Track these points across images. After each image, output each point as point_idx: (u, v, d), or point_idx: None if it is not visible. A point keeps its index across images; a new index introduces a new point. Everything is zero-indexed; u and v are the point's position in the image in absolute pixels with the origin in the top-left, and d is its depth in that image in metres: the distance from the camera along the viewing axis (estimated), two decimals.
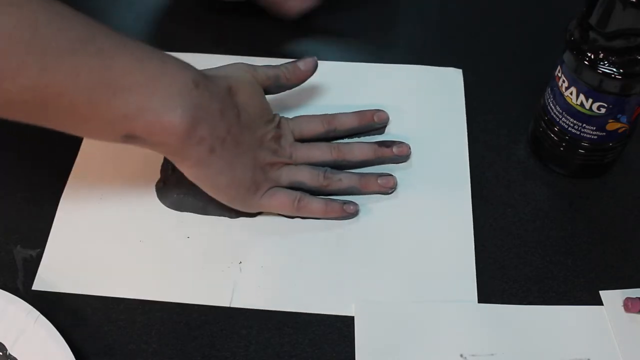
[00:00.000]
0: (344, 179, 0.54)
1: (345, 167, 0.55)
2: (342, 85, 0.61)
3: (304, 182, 0.53)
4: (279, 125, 0.54)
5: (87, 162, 0.57)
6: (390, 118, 0.59)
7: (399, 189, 0.55)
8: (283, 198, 0.53)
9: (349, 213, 0.53)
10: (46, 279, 0.51)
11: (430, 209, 0.54)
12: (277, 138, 0.54)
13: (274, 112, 0.55)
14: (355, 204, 0.53)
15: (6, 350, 0.46)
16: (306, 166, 0.54)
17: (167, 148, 0.48)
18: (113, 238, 0.53)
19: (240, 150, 0.50)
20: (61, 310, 0.49)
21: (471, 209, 0.54)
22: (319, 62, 0.57)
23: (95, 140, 0.57)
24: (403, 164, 0.57)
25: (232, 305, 0.49)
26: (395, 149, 0.56)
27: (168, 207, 0.54)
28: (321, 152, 0.55)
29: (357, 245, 0.52)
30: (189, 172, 0.50)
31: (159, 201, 0.55)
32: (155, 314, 0.49)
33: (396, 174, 0.56)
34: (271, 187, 0.53)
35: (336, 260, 0.52)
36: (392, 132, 0.58)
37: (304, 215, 0.53)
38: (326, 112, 0.58)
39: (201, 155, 0.48)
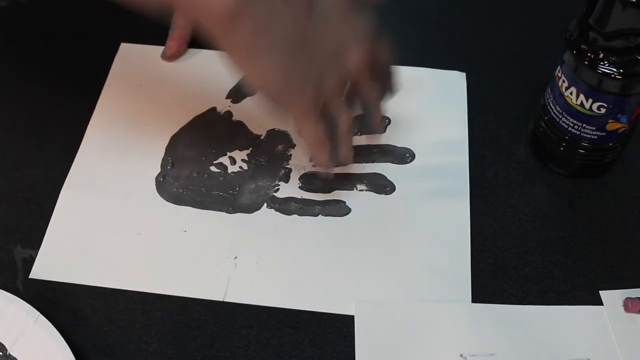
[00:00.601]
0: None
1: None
2: None
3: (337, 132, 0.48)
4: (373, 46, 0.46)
5: (89, 154, 0.57)
6: (392, 118, 0.59)
7: (399, 188, 0.55)
8: (317, 134, 0.47)
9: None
10: (43, 269, 0.51)
11: (430, 208, 0.54)
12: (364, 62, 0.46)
13: None
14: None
15: (6, 350, 0.46)
16: (349, 115, 0.48)
17: (216, 18, 0.41)
18: (111, 229, 0.53)
19: (305, 50, 0.43)
20: (61, 310, 0.49)
21: (469, 209, 0.54)
22: None
23: (97, 133, 0.58)
24: (403, 164, 0.57)
25: (226, 300, 0.50)
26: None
27: (167, 200, 0.55)
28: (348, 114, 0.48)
29: (355, 244, 0.52)
30: (235, 59, 0.43)
31: (158, 194, 0.55)
32: (155, 314, 0.49)
33: (396, 174, 0.56)
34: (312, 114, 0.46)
35: (332, 259, 0.52)
36: (393, 132, 0.58)
37: (306, 147, 0.50)
38: None
39: (251, 43, 0.42)
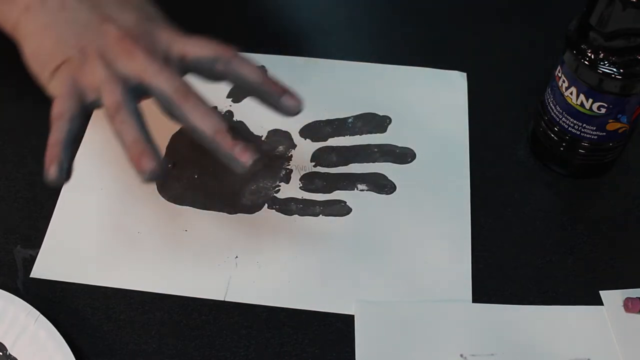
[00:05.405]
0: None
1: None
2: (346, 84, 0.61)
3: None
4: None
5: (89, 153, 0.57)
6: (393, 118, 0.59)
7: (399, 188, 0.55)
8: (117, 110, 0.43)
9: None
10: (44, 268, 0.51)
11: (430, 208, 0.54)
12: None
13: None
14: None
15: (6, 350, 0.46)
16: (114, 93, 0.42)
17: None
18: (111, 229, 0.53)
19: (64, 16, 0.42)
20: (61, 310, 0.49)
21: (470, 209, 0.54)
22: (324, 59, 0.58)
23: (97, 133, 0.58)
24: (404, 164, 0.57)
25: (227, 300, 0.50)
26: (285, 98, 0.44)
27: (168, 200, 0.55)
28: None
29: (355, 244, 0.53)
30: (14, 33, 0.44)
31: (159, 194, 0.55)
32: (155, 313, 0.49)
33: (397, 174, 0.56)
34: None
35: (333, 259, 0.52)
36: (394, 132, 0.58)
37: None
38: (332, 111, 0.59)
39: (15, 14, 0.43)
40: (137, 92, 0.42)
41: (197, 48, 0.43)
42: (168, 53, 0.43)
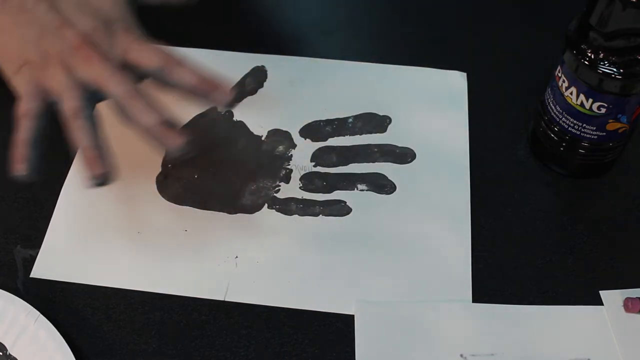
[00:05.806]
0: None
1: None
2: (346, 84, 0.61)
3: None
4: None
5: None
6: (393, 118, 0.59)
7: (399, 188, 0.55)
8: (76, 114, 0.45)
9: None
10: (44, 268, 0.51)
11: (430, 208, 0.54)
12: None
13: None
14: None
15: (6, 350, 0.46)
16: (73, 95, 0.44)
17: None
18: (111, 229, 0.53)
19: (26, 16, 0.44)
20: (61, 310, 0.49)
21: (470, 210, 0.54)
22: (324, 59, 0.58)
23: None
24: (404, 164, 0.57)
25: (227, 299, 0.50)
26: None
27: (168, 200, 0.55)
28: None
29: (355, 244, 0.53)
30: None
31: (159, 194, 0.55)
32: (155, 313, 0.49)
33: (397, 174, 0.56)
34: None
35: (333, 259, 0.52)
36: (394, 132, 0.58)
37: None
38: (332, 111, 0.59)
39: None
40: (97, 96, 0.45)
41: (146, 58, 0.45)
42: (124, 59, 0.44)
